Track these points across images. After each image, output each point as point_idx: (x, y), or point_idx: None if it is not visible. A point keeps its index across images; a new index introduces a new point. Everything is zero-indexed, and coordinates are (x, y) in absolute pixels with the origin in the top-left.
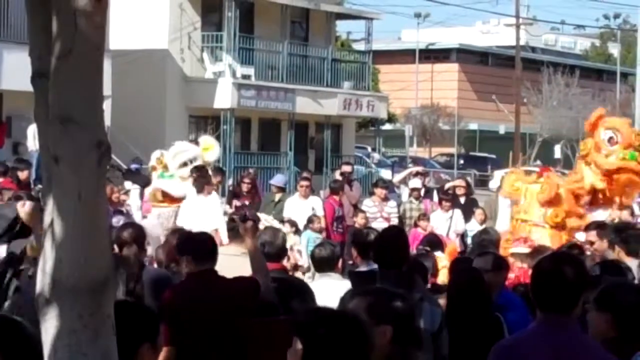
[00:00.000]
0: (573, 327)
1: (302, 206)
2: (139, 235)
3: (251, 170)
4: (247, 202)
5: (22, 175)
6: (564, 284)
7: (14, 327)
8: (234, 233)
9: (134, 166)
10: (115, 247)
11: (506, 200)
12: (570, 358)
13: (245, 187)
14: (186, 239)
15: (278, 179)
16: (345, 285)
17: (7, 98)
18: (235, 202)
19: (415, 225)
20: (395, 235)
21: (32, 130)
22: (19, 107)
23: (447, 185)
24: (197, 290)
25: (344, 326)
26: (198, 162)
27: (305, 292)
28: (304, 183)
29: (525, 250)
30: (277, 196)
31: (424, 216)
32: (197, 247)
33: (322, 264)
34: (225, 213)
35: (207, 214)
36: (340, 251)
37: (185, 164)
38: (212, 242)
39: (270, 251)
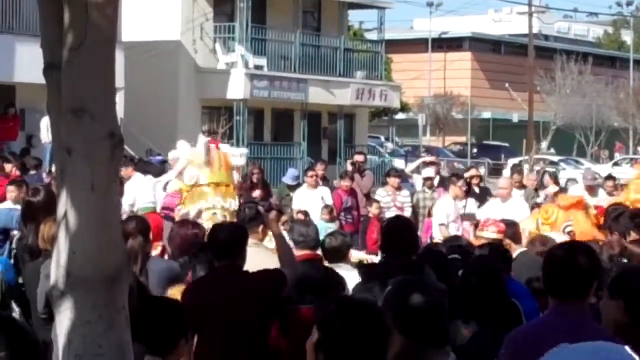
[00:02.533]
0: (586, 314)
1: (311, 196)
2: (145, 226)
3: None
4: (257, 194)
5: (8, 167)
6: (577, 271)
7: (23, 331)
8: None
9: (158, 158)
10: None
11: (520, 190)
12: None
13: (255, 178)
14: (211, 233)
15: (289, 176)
16: (356, 275)
17: (20, 90)
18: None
19: (429, 215)
20: (402, 225)
21: (45, 123)
22: (32, 99)
23: (466, 176)
24: (218, 285)
25: (361, 316)
26: (182, 162)
27: (338, 282)
28: (312, 173)
29: (494, 235)
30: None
31: None
32: (218, 241)
33: (333, 254)
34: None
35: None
36: (351, 241)
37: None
38: (234, 236)
39: (306, 241)
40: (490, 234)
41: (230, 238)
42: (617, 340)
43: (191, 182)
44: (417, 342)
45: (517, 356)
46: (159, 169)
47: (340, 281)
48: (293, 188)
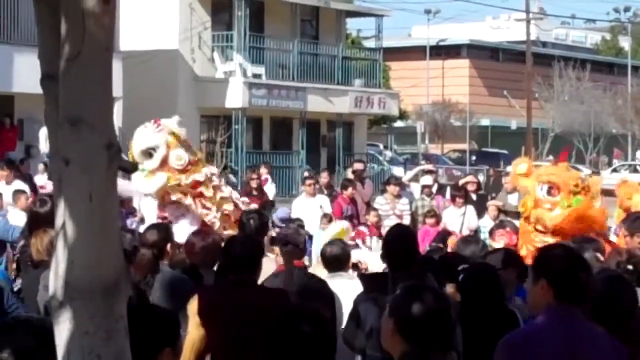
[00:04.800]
0: (582, 316)
1: (309, 205)
2: (162, 238)
3: (263, 170)
4: (255, 205)
5: (2, 174)
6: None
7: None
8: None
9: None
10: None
11: (514, 195)
12: (583, 347)
13: (254, 184)
14: (225, 246)
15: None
16: (356, 284)
17: (18, 100)
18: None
19: (424, 222)
20: (403, 234)
21: (44, 133)
22: (30, 109)
23: (460, 182)
24: (230, 297)
25: (294, 325)
26: (162, 149)
27: (324, 293)
28: (309, 182)
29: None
30: None
31: (429, 212)
32: (232, 255)
33: (333, 262)
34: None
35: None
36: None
37: (148, 154)
38: (250, 250)
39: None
40: (502, 245)
41: (245, 252)
42: (614, 341)
43: (179, 162)
44: (420, 347)
45: (511, 357)
46: (134, 164)
47: (330, 290)
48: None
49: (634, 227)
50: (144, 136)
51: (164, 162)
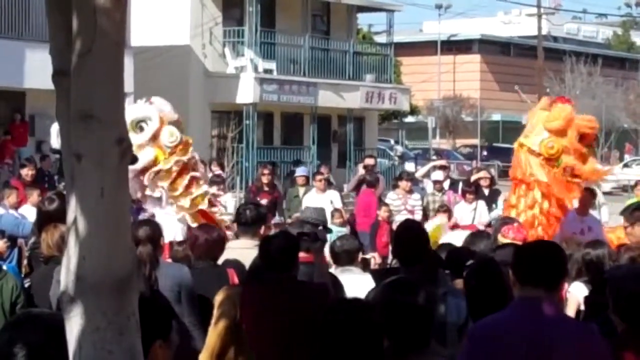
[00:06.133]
0: (550, 302)
1: (320, 201)
2: (155, 232)
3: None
4: (264, 200)
5: (24, 172)
6: (551, 260)
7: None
8: (244, 227)
9: None
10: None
11: None
12: (545, 334)
13: (265, 179)
14: (261, 244)
15: (302, 170)
16: (367, 279)
17: (30, 96)
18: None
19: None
20: (413, 230)
21: (55, 129)
22: (42, 105)
23: (472, 178)
24: (271, 295)
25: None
26: (154, 122)
27: (336, 286)
28: (320, 177)
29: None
30: (302, 191)
31: (442, 207)
32: (268, 253)
33: (343, 256)
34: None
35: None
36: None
37: (139, 127)
38: (285, 247)
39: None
40: (511, 240)
41: (280, 250)
42: (584, 325)
43: (172, 139)
44: (396, 343)
45: (477, 346)
46: (135, 156)
47: (340, 283)
48: (307, 180)
49: (633, 217)
50: (136, 108)
51: (154, 137)
